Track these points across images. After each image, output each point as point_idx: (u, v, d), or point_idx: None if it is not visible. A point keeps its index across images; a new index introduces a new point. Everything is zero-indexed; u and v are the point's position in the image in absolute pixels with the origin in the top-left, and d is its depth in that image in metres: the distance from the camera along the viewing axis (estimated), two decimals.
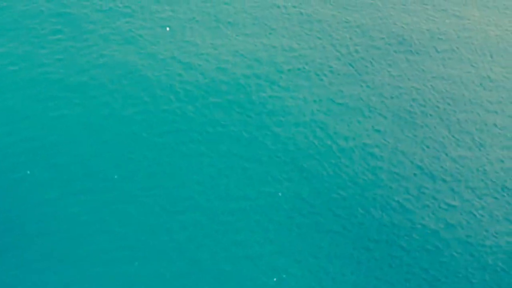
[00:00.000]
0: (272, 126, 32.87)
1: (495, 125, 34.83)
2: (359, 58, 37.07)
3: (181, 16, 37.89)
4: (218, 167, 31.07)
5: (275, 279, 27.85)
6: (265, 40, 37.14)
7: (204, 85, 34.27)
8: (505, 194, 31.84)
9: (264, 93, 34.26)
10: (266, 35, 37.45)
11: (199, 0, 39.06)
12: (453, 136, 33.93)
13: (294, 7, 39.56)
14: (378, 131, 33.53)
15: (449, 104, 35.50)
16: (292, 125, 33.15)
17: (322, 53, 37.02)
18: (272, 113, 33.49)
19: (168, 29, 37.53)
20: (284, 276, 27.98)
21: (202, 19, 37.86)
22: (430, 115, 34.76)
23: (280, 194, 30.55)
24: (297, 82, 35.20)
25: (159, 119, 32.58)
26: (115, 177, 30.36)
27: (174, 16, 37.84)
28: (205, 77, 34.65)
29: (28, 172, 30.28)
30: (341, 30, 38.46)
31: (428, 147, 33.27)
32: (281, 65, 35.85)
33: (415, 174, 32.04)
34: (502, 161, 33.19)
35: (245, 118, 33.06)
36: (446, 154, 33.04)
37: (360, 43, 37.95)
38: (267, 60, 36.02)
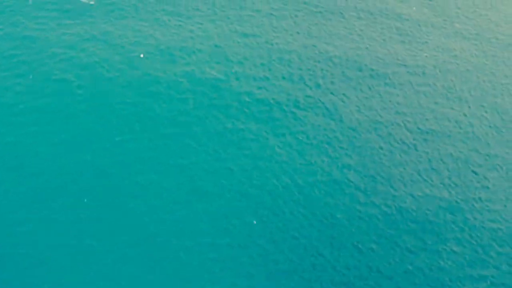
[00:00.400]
0: (229, 161, 31.48)
1: (469, 165, 33.23)
2: (328, 91, 35.58)
3: (148, 43, 36.74)
4: (166, 203, 29.72)
5: None
6: (230, 70, 35.77)
7: (161, 116, 33.04)
8: (474, 242, 30.23)
9: (222, 126, 32.90)
10: (232, 65, 36.13)
11: (166, 29, 37.90)
12: (421, 177, 32.39)
13: (265, 37, 38.14)
14: (342, 170, 32.01)
15: (420, 143, 33.96)
16: (250, 160, 31.73)
17: (289, 85, 35.58)
18: (230, 148, 32.07)
19: (142, 55, 36.55)
20: None
21: (167, 48, 36.64)
22: (399, 155, 33.19)
23: (254, 222, 29.27)
24: (260, 115, 33.81)
25: (111, 150, 31.33)
26: (80, 203, 29.48)
27: (140, 43, 36.73)
28: (163, 108, 33.39)
29: None
30: (312, 62, 36.97)
31: (393, 188, 31.74)
32: (244, 97, 34.48)
33: (377, 217, 30.50)
34: (473, 204, 31.61)
35: (201, 153, 31.71)
36: (412, 196, 31.49)
37: (331, 76, 36.44)
38: (230, 91, 34.69)
